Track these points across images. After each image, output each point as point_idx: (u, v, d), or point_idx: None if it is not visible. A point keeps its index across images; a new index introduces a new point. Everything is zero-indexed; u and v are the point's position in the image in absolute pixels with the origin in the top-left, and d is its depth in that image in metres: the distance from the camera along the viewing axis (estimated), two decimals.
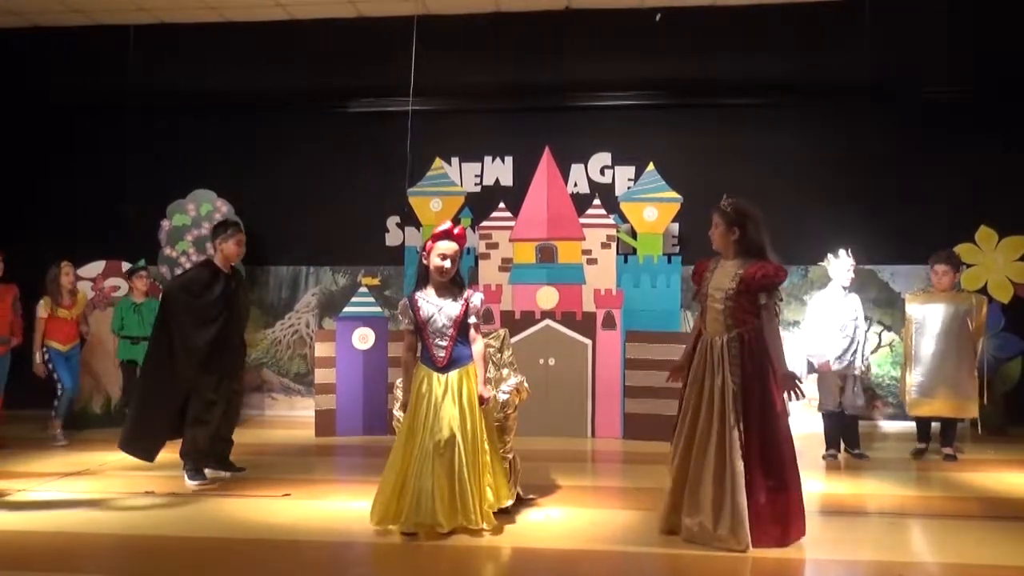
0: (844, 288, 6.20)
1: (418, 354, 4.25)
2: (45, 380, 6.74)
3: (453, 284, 4.26)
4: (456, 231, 4.22)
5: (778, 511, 3.89)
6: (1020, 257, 7.15)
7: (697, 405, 4.04)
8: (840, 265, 6.20)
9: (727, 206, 4.09)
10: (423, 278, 4.25)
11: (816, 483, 5.39)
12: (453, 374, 4.16)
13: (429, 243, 4.22)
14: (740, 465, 3.85)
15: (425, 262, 4.22)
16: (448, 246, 4.18)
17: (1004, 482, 5.46)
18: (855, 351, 6.14)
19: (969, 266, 7.28)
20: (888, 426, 7.67)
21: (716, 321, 4.06)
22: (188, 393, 5.21)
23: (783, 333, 6.96)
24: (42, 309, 6.76)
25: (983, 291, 6.87)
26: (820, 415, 6.34)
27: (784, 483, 3.90)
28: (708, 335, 4.10)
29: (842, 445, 6.22)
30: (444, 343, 4.18)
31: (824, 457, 6.17)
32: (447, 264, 4.17)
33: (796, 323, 7.80)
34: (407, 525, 4.04)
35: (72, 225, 7.98)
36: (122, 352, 6.85)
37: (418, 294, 4.22)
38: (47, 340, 6.74)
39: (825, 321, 6.18)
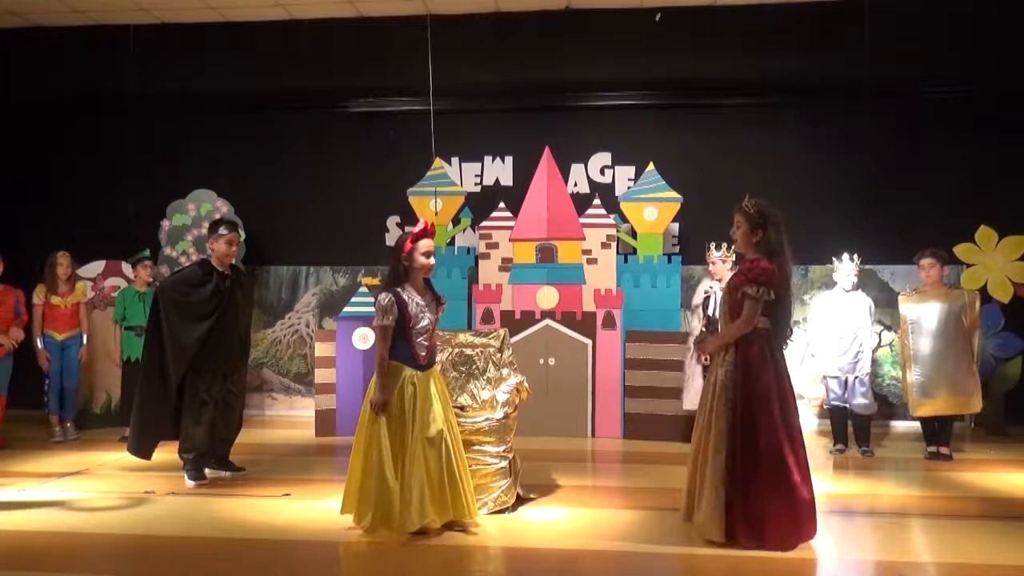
0: (845, 291, 6.33)
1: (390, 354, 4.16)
2: (47, 371, 6.75)
3: (428, 284, 4.30)
4: (429, 229, 4.25)
5: (771, 512, 3.86)
6: (1020, 257, 7.15)
7: (705, 401, 4.17)
8: (844, 269, 6.33)
9: (750, 207, 4.13)
10: (402, 277, 4.19)
11: (816, 482, 5.38)
12: (431, 371, 4.23)
13: (408, 243, 4.18)
14: (721, 460, 3.90)
15: (406, 262, 4.17)
16: (431, 244, 4.22)
17: (1004, 482, 5.46)
18: (859, 352, 6.19)
19: (969, 266, 7.28)
20: (889, 426, 7.65)
21: (722, 321, 4.21)
22: (182, 391, 5.22)
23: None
24: (36, 296, 6.77)
25: (983, 291, 6.87)
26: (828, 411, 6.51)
27: (780, 484, 3.87)
28: None
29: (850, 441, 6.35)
30: (426, 342, 4.20)
31: (831, 452, 6.30)
32: (433, 261, 4.23)
33: (795, 323, 7.80)
34: (413, 527, 4.03)
35: (72, 225, 7.97)
36: (126, 348, 6.72)
37: (402, 292, 4.17)
38: (44, 329, 6.75)
39: (825, 322, 6.38)
